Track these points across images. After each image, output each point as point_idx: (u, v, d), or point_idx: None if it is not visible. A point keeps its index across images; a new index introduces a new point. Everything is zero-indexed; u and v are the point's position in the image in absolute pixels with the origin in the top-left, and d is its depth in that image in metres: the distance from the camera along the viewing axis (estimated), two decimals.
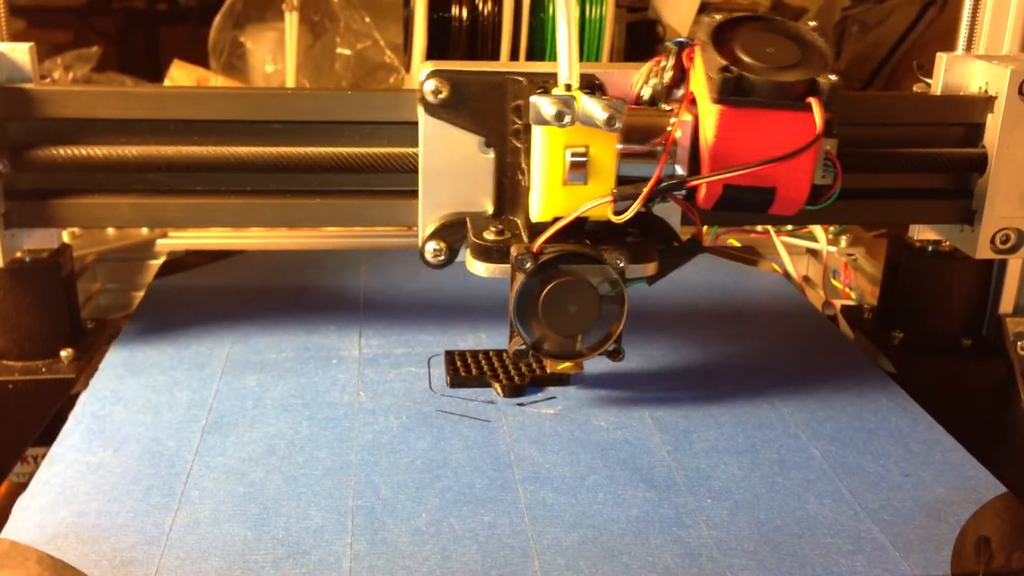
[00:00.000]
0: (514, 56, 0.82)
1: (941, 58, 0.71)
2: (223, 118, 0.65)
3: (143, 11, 1.88)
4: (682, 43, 0.59)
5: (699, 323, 0.79)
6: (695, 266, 0.90)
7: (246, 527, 0.52)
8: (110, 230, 0.93)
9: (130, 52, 1.87)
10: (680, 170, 0.58)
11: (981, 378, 0.76)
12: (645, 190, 0.55)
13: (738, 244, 0.96)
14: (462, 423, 0.62)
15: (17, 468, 0.74)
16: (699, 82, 0.57)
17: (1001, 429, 0.76)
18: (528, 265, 0.58)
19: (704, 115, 0.57)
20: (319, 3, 1.34)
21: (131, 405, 0.63)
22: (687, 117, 0.58)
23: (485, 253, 0.60)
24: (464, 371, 0.67)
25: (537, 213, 0.58)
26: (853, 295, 0.93)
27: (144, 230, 0.94)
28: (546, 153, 0.56)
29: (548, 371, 0.64)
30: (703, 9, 1.07)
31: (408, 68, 0.88)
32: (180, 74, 1.33)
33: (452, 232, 0.64)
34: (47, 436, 0.62)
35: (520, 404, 0.65)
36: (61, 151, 0.64)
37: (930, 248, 0.77)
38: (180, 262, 0.88)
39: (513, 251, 0.58)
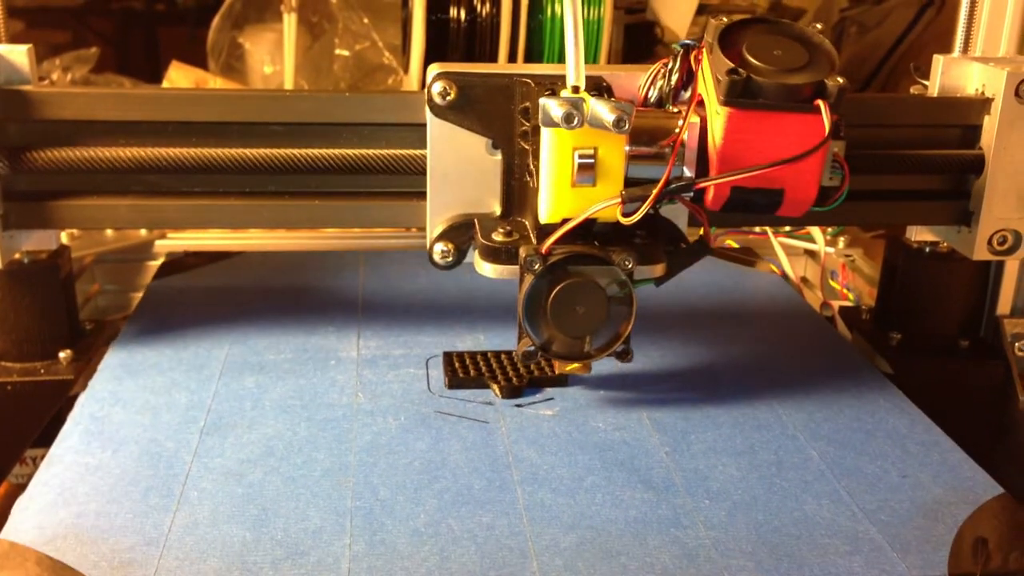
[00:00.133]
0: (512, 58, 0.82)
1: (938, 60, 0.71)
2: (222, 119, 0.65)
3: (141, 12, 1.88)
4: (688, 45, 0.59)
5: (697, 324, 0.79)
6: (694, 267, 0.90)
7: (245, 528, 0.52)
8: (109, 231, 0.93)
9: (128, 53, 1.87)
10: (688, 172, 0.58)
11: (979, 379, 0.77)
12: (654, 192, 0.55)
13: (736, 245, 0.96)
14: (460, 424, 0.62)
15: (16, 469, 0.74)
16: (706, 84, 0.57)
17: (999, 430, 0.76)
18: (537, 266, 0.58)
19: (712, 117, 0.57)
20: (318, 4, 1.34)
21: (130, 406, 0.63)
22: (695, 119, 0.58)
23: (494, 254, 0.60)
24: (462, 372, 0.67)
25: (545, 215, 0.58)
26: (851, 296, 0.93)
27: (143, 231, 0.94)
28: (555, 155, 0.56)
29: (557, 372, 0.64)
30: (701, 11, 1.08)
31: (406, 69, 0.88)
32: (178, 75, 1.33)
33: (460, 233, 0.64)
34: (46, 437, 0.62)
35: (518, 405, 0.65)
36: (60, 153, 0.64)
37: (927, 249, 0.77)
38: (179, 263, 0.88)
39: (522, 252, 0.58)
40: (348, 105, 0.65)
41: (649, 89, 0.61)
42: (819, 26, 0.59)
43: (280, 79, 1.31)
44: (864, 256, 0.97)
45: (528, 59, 0.83)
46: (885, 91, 1.49)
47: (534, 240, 0.60)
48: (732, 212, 0.59)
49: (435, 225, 0.65)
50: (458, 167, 0.64)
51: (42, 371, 0.70)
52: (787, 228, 0.97)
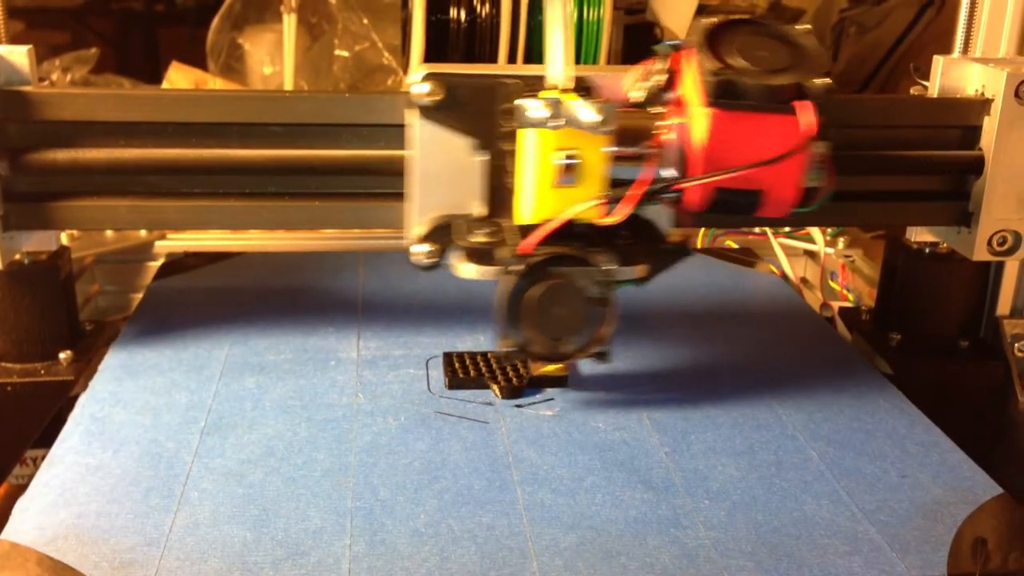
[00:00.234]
0: (512, 58, 0.82)
1: (938, 61, 0.72)
2: (221, 120, 0.65)
3: (141, 12, 1.88)
4: (674, 46, 0.59)
5: (697, 324, 0.79)
6: (693, 268, 0.91)
7: (245, 528, 0.52)
8: (109, 232, 0.93)
9: (128, 53, 1.87)
10: (671, 173, 0.58)
11: (978, 380, 0.77)
12: (637, 192, 0.56)
13: (736, 246, 0.96)
14: (460, 424, 0.62)
15: (16, 470, 0.74)
16: (690, 85, 0.57)
17: (998, 430, 0.76)
18: (517, 267, 0.58)
19: (695, 118, 0.57)
20: (317, 5, 1.34)
21: (130, 407, 0.63)
22: (678, 120, 0.58)
23: (475, 255, 0.60)
24: (462, 373, 0.67)
25: (527, 215, 0.58)
26: (851, 297, 0.93)
27: (143, 232, 0.94)
28: (536, 155, 0.56)
29: (534, 373, 0.64)
30: (701, 11, 1.08)
31: (406, 70, 0.88)
32: (178, 76, 1.33)
33: (443, 234, 0.64)
34: (46, 438, 0.62)
35: (518, 406, 0.65)
36: (59, 154, 0.64)
37: (927, 250, 0.77)
38: (179, 264, 0.88)
39: (502, 253, 0.58)
40: (348, 106, 0.65)
41: (634, 89, 0.61)
42: (807, 27, 0.59)
43: (280, 80, 1.31)
44: (864, 257, 0.97)
45: (528, 60, 0.83)
46: (885, 92, 1.49)
47: (515, 241, 0.60)
48: (714, 213, 0.59)
49: (417, 226, 0.65)
50: (442, 168, 0.64)
51: (42, 372, 0.70)
52: (787, 229, 0.97)
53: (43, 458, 0.58)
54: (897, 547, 0.52)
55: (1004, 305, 0.78)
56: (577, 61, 0.79)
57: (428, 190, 0.64)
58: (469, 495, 0.55)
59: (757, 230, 0.96)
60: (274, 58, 1.35)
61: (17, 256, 0.70)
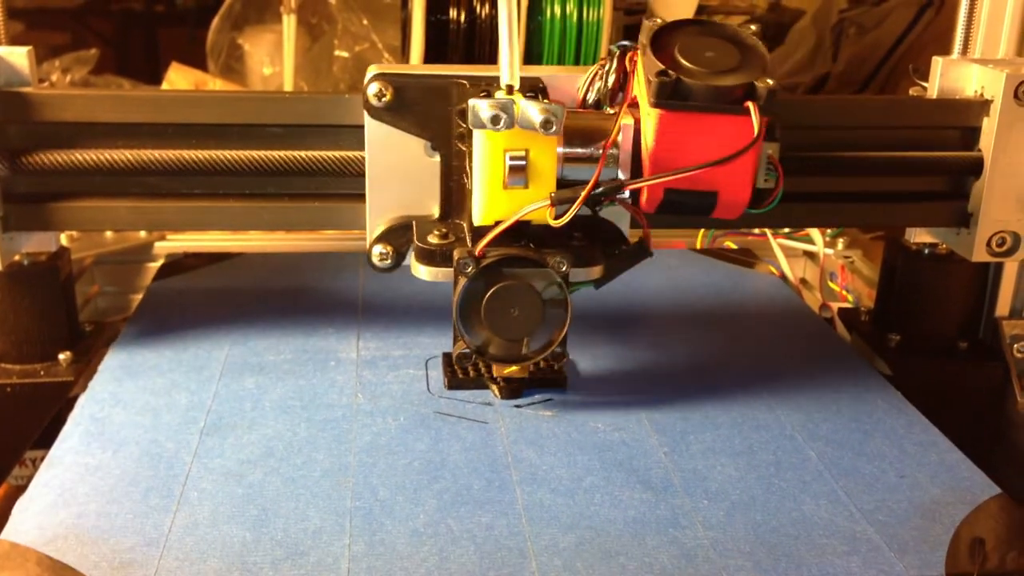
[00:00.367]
0: None
1: (937, 62, 0.72)
2: (221, 121, 0.65)
3: (141, 13, 1.89)
4: (624, 47, 0.59)
5: (696, 325, 0.79)
6: (692, 268, 0.91)
7: (245, 528, 0.52)
8: (108, 233, 0.93)
9: (128, 54, 1.87)
10: (622, 174, 0.58)
11: (977, 380, 0.77)
12: (583, 193, 0.56)
13: (735, 246, 0.96)
14: (460, 425, 0.62)
15: (16, 471, 0.74)
16: (640, 86, 0.58)
17: (997, 431, 0.76)
18: (470, 269, 0.58)
19: (644, 119, 0.57)
20: (317, 5, 1.34)
21: (130, 407, 0.63)
22: (628, 121, 0.58)
23: (429, 257, 0.61)
24: (462, 373, 0.67)
25: (479, 217, 0.58)
26: (850, 297, 0.93)
27: (142, 233, 0.94)
28: (486, 157, 0.56)
29: (495, 375, 0.64)
30: (701, 12, 1.08)
31: None
32: (178, 76, 1.33)
33: (399, 236, 0.64)
34: (46, 439, 0.62)
35: (517, 406, 0.65)
36: (59, 155, 0.64)
37: (927, 251, 0.77)
38: (178, 265, 0.88)
39: (455, 255, 0.59)
40: (348, 107, 0.65)
41: (588, 91, 0.61)
42: (754, 27, 0.59)
43: (279, 80, 1.32)
44: (863, 258, 0.97)
45: (527, 61, 0.83)
46: (884, 92, 1.49)
47: (469, 242, 0.60)
48: (667, 214, 0.59)
49: (374, 227, 0.65)
50: (397, 169, 0.64)
51: (42, 373, 0.71)
52: (786, 229, 0.97)
53: (42, 459, 0.58)
54: (895, 547, 0.52)
55: (1003, 306, 0.78)
56: (577, 62, 0.79)
57: (380, 191, 0.64)
58: (468, 495, 0.55)
59: (756, 231, 0.96)
60: (274, 59, 1.35)
61: (17, 257, 0.70)
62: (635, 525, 0.53)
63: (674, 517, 0.54)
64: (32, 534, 0.51)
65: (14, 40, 0.67)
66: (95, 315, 0.91)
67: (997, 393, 0.77)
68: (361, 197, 0.67)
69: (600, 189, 0.56)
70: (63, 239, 0.77)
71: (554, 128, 0.54)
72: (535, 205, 0.57)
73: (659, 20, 0.58)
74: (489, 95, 0.55)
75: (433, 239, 0.61)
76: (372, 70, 0.62)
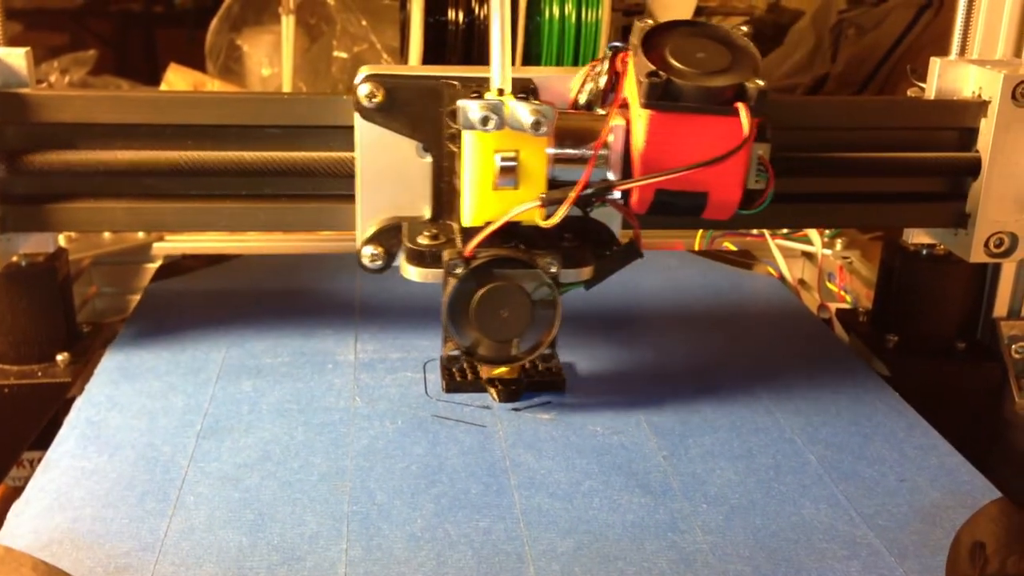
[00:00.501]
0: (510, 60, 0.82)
1: (935, 63, 0.71)
2: (219, 122, 0.65)
3: (140, 14, 1.89)
4: (616, 47, 0.59)
5: (694, 327, 0.79)
6: (691, 270, 0.91)
7: (241, 533, 0.52)
8: (106, 234, 0.93)
9: (127, 55, 1.87)
10: (613, 175, 0.58)
11: (975, 381, 0.77)
12: (572, 194, 0.56)
13: (733, 247, 0.96)
14: (457, 428, 0.62)
15: (13, 472, 0.74)
16: (631, 87, 0.57)
17: (996, 433, 0.76)
18: (459, 270, 0.58)
19: (635, 120, 0.57)
20: (316, 6, 1.34)
21: (126, 410, 0.63)
22: (619, 121, 0.58)
23: (419, 258, 0.60)
24: (460, 376, 0.67)
25: (469, 218, 0.58)
26: (848, 298, 0.93)
27: (140, 234, 0.94)
28: (476, 157, 0.56)
29: (484, 376, 0.64)
30: (699, 13, 1.07)
31: None
32: (176, 77, 1.33)
33: (389, 236, 0.64)
34: (43, 440, 0.62)
35: (516, 409, 0.65)
36: (57, 156, 0.64)
37: (924, 252, 0.77)
38: (176, 266, 0.88)
39: (445, 256, 0.59)
40: (346, 108, 0.65)
41: (579, 92, 0.61)
42: (745, 28, 0.59)
43: (278, 81, 1.31)
44: (861, 258, 0.97)
45: (526, 62, 0.83)
46: (883, 93, 1.49)
47: (459, 243, 0.60)
48: (658, 215, 0.59)
49: (365, 228, 0.65)
50: (388, 170, 0.63)
51: (39, 374, 0.70)
52: (784, 230, 0.96)
53: (39, 460, 0.58)
54: (895, 551, 0.52)
55: (1001, 307, 0.78)
56: (576, 62, 0.79)
57: (372, 192, 0.64)
58: (466, 499, 0.55)
59: (755, 231, 0.96)
60: (272, 60, 1.35)
61: (15, 258, 0.70)
62: (634, 529, 0.53)
63: (673, 521, 0.54)
64: (27, 538, 0.51)
65: (12, 41, 0.67)
66: (93, 316, 0.91)
67: (995, 394, 0.76)
68: None
69: (590, 190, 0.56)
70: (61, 240, 0.77)
71: (544, 129, 0.54)
72: (525, 206, 0.57)
73: (650, 21, 0.58)
74: (480, 96, 0.55)
75: (423, 240, 0.61)
76: (363, 71, 0.62)
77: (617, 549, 0.51)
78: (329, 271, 0.87)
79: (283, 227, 0.75)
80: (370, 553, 0.50)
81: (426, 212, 0.64)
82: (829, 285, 0.96)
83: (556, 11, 0.83)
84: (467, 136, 0.56)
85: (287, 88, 1.24)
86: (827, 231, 0.97)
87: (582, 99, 0.61)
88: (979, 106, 0.69)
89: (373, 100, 0.61)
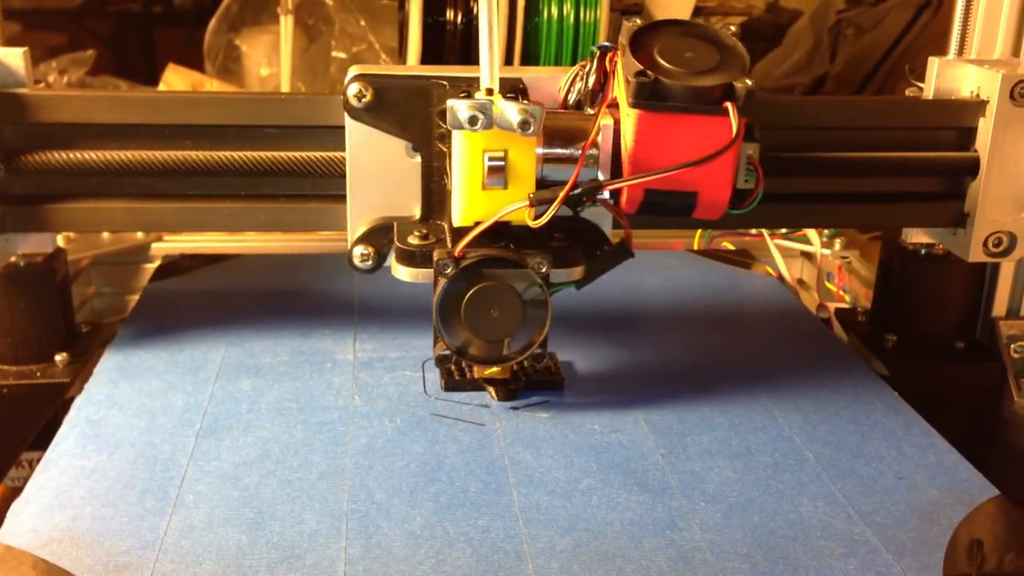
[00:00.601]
0: (508, 60, 0.82)
1: (933, 62, 0.72)
2: (218, 122, 0.65)
3: (138, 14, 1.88)
4: (605, 47, 0.59)
5: (693, 326, 0.79)
6: (689, 269, 0.91)
7: (241, 531, 0.52)
8: (105, 234, 0.93)
9: (125, 55, 1.87)
10: (603, 174, 0.58)
11: (974, 381, 0.77)
12: (561, 194, 0.56)
13: (732, 247, 0.96)
14: (456, 427, 0.62)
15: (12, 472, 0.74)
16: (620, 87, 0.57)
17: (994, 432, 0.76)
18: (449, 270, 0.58)
19: (624, 119, 0.57)
20: (314, 6, 1.34)
21: (126, 409, 0.63)
22: (608, 121, 0.58)
23: (409, 258, 0.60)
24: (459, 375, 0.67)
25: (458, 218, 0.58)
26: (847, 298, 0.93)
27: (139, 234, 0.94)
28: (465, 157, 0.56)
29: (476, 376, 0.64)
30: (698, 13, 1.08)
31: None
32: (175, 78, 1.33)
33: (380, 236, 0.64)
34: (42, 440, 0.62)
35: (514, 408, 0.65)
36: (56, 156, 0.64)
37: (923, 251, 0.77)
38: (175, 266, 0.88)
39: (435, 256, 0.59)
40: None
41: (569, 91, 0.61)
42: (733, 28, 0.59)
43: (276, 81, 1.31)
44: (860, 258, 0.97)
45: (524, 62, 0.83)
46: (882, 93, 1.49)
47: (449, 243, 0.60)
48: (647, 215, 0.59)
49: (356, 228, 0.65)
50: (378, 170, 0.63)
51: (38, 374, 0.70)
52: (783, 230, 0.97)
53: (38, 460, 0.58)
54: (893, 549, 0.52)
55: (1000, 306, 0.78)
56: (574, 62, 0.79)
57: (362, 192, 0.64)
58: (465, 498, 0.55)
59: (754, 231, 0.96)
60: (271, 60, 1.35)
61: (13, 258, 0.70)
62: (632, 527, 0.53)
63: (671, 519, 0.54)
64: (27, 537, 0.51)
65: (11, 41, 0.67)
66: (92, 316, 0.91)
67: (994, 393, 0.76)
68: None
69: (578, 190, 0.56)
70: (60, 240, 0.77)
71: (532, 129, 0.54)
72: (514, 206, 0.57)
73: (638, 20, 0.58)
74: (468, 96, 0.55)
75: (413, 240, 0.61)
76: (353, 71, 0.62)
77: (615, 547, 0.51)
78: (328, 271, 0.87)
79: (282, 227, 0.75)
80: (369, 551, 0.50)
81: (416, 212, 0.64)
82: (828, 285, 0.96)
83: (555, 11, 0.83)
84: (456, 136, 0.56)
85: (285, 88, 1.24)
86: (826, 231, 0.97)
87: (571, 99, 0.61)
88: (977, 106, 0.69)
89: (362, 100, 0.61)
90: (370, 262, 0.64)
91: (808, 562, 0.51)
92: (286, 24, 1.22)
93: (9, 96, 0.64)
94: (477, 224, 0.58)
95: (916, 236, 0.78)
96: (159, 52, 1.80)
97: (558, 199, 0.56)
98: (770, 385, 0.69)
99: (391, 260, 0.62)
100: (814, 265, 0.98)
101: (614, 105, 0.59)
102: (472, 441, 0.61)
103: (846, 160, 0.70)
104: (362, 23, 1.33)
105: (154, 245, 0.95)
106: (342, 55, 1.33)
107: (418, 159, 0.63)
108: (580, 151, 0.58)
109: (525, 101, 0.55)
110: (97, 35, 1.81)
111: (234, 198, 0.67)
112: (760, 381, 0.69)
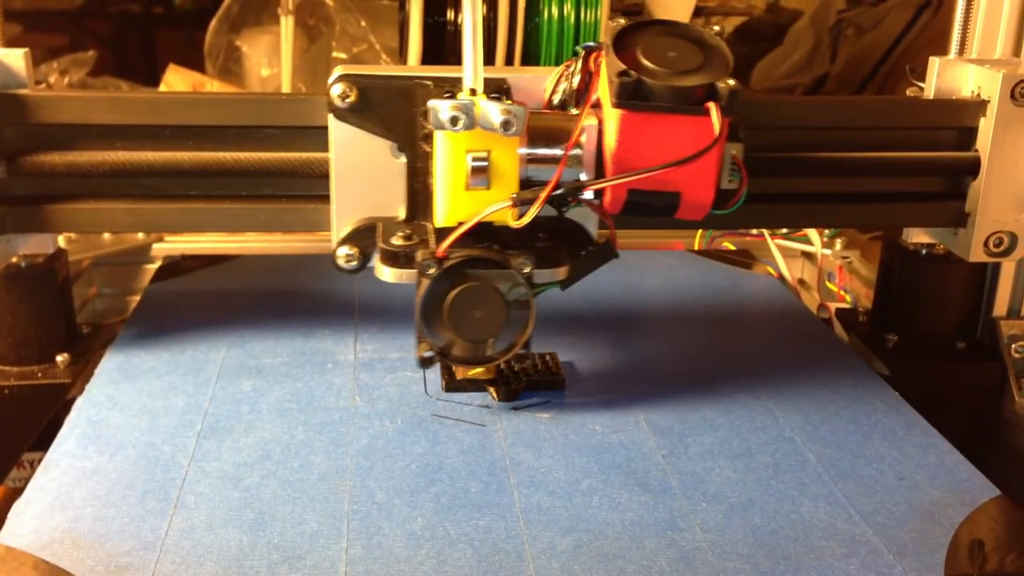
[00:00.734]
0: (509, 61, 0.82)
1: (934, 62, 0.72)
2: (219, 123, 0.65)
3: (139, 15, 1.89)
4: (589, 47, 0.59)
5: (694, 326, 0.79)
6: (690, 269, 0.91)
7: (242, 532, 0.52)
8: (106, 235, 0.93)
9: (126, 56, 1.87)
10: (586, 175, 0.58)
11: (975, 381, 0.77)
12: (543, 194, 0.56)
13: (733, 247, 0.96)
14: (457, 427, 0.62)
15: (13, 473, 0.74)
16: (604, 87, 0.57)
17: (995, 432, 0.76)
18: (432, 270, 0.58)
19: (607, 119, 0.57)
20: (315, 7, 1.34)
21: (127, 410, 0.63)
22: (591, 121, 0.58)
23: (392, 258, 0.60)
24: (460, 375, 0.67)
25: (441, 218, 0.58)
26: (848, 298, 0.93)
27: (140, 235, 0.94)
28: (447, 158, 0.56)
29: (458, 377, 0.64)
30: (699, 13, 1.08)
31: None
32: (175, 78, 1.33)
33: (364, 237, 0.64)
34: (43, 441, 0.62)
35: (515, 408, 0.65)
36: (57, 156, 0.64)
37: (924, 251, 0.77)
38: (176, 266, 0.88)
39: (418, 256, 0.58)
40: None
41: (554, 92, 0.61)
42: (717, 28, 0.59)
43: (277, 82, 1.32)
44: (861, 258, 0.97)
45: (525, 62, 0.83)
46: (882, 93, 1.49)
47: (433, 244, 0.60)
48: (631, 215, 0.59)
49: (340, 228, 0.65)
50: (363, 170, 0.63)
51: (39, 375, 0.70)
52: (784, 230, 0.97)
53: (39, 461, 0.58)
54: (894, 549, 0.52)
55: (1000, 306, 0.78)
56: None
57: (347, 192, 0.64)
58: (466, 498, 0.55)
59: (754, 231, 0.96)
60: (272, 60, 1.35)
61: (14, 259, 0.70)
62: (633, 528, 0.53)
63: (672, 520, 0.54)
64: (28, 538, 0.51)
65: (11, 42, 0.67)
66: (93, 317, 0.91)
67: (995, 393, 0.76)
68: None
69: (561, 190, 0.56)
70: (61, 241, 0.77)
71: (514, 129, 0.54)
72: (496, 206, 0.57)
73: (622, 20, 0.58)
74: (452, 96, 0.55)
75: (397, 240, 0.61)
76: (337, 71, 0.62)
77: (616, 547, 0.51)
78: (328, 271, 0.87)
79: (282, 228, 0.75)
80: (370, 552, 0.50)
81: (401, 212, 0.64)
82: (829, 285, 0.96)
83: (555, 11, 0.83)
84: (439, 136, 0.56)
85: (286, 89, 1.24)
86: (827, 231, 0.97)
87: (556, 99, 0.61)
88: (978, 105, 0.69)
89: (346, 100, 0.61)
90: (355, 263, 0.64)
91: (809, 562, 0.51)
92: (287, 25, 1.22)
93: (10, 97, 0.64)
94: (460, 224, 0.57)
95: (917, 236, 0.78)
96: (160, 53, 1.80)
97: (540, 199, 0.56)
98: (771, 385, 0.69)
99: (375, 261, 0.62)
100: (815, 265, 0.98)
101: (598, 105, 0.58)
102: (473, 442, 0.61)
103: (847, 160, 0.70)
104: (363, 23, 1.33)
105: (155, 246, 0.95)
106: (343, 55, 1.33)
107: (403, 159, 0.63)
108: (563, 151, 0.58)
109: (508, 101, 0.54)
110: (98, 36, 1.81)
111: (235, 199, 0.67)
112: (761, 381, 0.69)
